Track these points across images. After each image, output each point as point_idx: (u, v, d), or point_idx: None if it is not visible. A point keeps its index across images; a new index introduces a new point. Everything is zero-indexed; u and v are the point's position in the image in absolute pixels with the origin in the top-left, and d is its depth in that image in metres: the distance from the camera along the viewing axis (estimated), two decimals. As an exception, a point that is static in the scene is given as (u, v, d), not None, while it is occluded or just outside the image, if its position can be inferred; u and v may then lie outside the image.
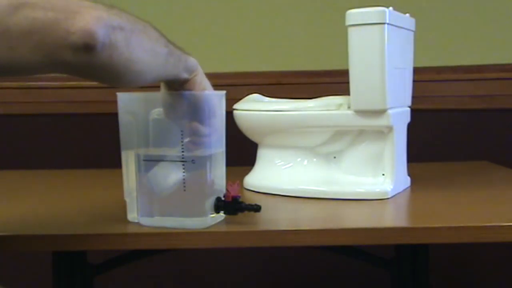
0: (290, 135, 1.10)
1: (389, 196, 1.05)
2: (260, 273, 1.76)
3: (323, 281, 1.76)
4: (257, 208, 0.87)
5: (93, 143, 1.71)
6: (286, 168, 1.11)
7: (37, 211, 1.02)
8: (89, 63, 0.69)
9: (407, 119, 1.16)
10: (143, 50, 0.75)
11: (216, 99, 0.87)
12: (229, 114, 1.03)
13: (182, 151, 0.84)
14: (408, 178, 1.16)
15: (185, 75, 0.83)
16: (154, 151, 0.86)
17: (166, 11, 1.68)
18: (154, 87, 0.87)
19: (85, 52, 0.68)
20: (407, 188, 1.14)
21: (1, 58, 0.66)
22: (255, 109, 1.13)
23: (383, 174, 1.07)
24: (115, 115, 0.88)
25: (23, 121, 1.72)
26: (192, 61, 0.84)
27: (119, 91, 0.88)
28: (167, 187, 0.85)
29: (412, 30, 1.17)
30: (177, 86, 0.84)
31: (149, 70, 0.77)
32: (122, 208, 0.92)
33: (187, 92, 0.84)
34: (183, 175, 0.84)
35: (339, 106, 1.07)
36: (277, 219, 0.97)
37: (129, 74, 0.74)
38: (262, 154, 1.15)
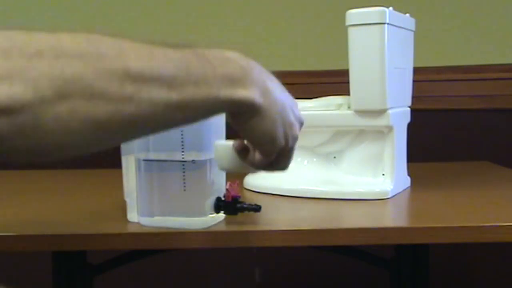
0: (290, 135, 1.10)
1: (389, 196, 1.05)
2: (260, 273, 1.76)
3: (323, 281, 1.76)
4: (257, 208, 0.87)
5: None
6: (286, 168, 1.11)
7: (37, 211, 1.02)
8: None
9: (407, 119, 1.16)
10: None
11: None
12: (229, 114, 1.03)
13: (182, 151, 0.84)
14: (408, 178, 1.16)
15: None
16: (154, 151, 0.86)
17: (166, 11, 1.68)
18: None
19: None
20: (407, 188, 1.14)
21: None
22: (255, 109, 1.13)
23: (383, 174, 1.07)
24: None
25: (23, 121, 1.71)
26: (233, 69, 0.54)
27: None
28: None
29: (412, 30, 1.17)
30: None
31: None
32: (122, 208, 0.92)
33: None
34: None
35: (339, 106, 1.07)
36: (277, 219, 0.97)
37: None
38: (262, 154, 1.15)
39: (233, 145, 0.70)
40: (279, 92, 0.62)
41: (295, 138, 0.66)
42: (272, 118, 0.60)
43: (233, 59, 0.56)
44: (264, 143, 0.64)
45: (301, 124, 0.68)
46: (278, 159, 0.67)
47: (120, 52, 0.48)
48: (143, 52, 0.49)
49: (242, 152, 0.70)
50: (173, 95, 0.50)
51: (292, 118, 0.65)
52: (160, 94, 0.49)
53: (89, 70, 0.46)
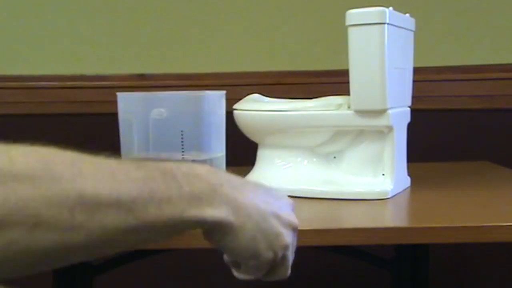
0: (290, 135, 1.10)
1: (389, 196, 1.05)
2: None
3: (323, 281, 1.76)
4: (257, 208, 0.86)
5: (93, 143, 1.71)
6: (286, 168, 1.11)
7: (37, 211, 1.02)
8: None
9: (407, 119, 1.16)
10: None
11: (216, 99, 0.87)
12: (229, 114, 1.03)
13: (182, 151, 0.84)
14: (408, 178, 1.16)
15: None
16: (154, 151, 0.86)
17: (166, 11, 1.68)
18: (157, 86, 0.87)
19: None
20: (407, 188, 1.14)
21: None
22: (255, 109, 1.13)
23: (383, 174, 1.07)
24: (115, 115, 0.88)
25: (23, 121, 1.72)
26: (201, 187, 0.51)
27: (119, 91, 0.88)
28: None
29: (412, 30, 1.17)
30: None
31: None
32: (122, 208, 0.91)
33: (187, 92, 0.84)
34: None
35: (339, 106, 1.07)
36: (277, 219, 0.96)
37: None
38: (262, 154, 1.15)
39: (224, 257, 0.65)
40: (255, 204, 0.57)
41: (285, 247, 0.61)
42: (249, 234, 0.56)
43: (202, 176, 0.52)
44: (247, 260, 0.59)
45: (294, 228, 0.62)
46: (273, 269, 0.63)
47: (77, 174, 0.45)
48: (102, 173, 0.46)
49: (234, 264, 0.65)
50: (131, 219, 0.46)
51: (277, 227, 0.59)
52: (115, 220, 0.45)
53: (38, 196, 0.42)
